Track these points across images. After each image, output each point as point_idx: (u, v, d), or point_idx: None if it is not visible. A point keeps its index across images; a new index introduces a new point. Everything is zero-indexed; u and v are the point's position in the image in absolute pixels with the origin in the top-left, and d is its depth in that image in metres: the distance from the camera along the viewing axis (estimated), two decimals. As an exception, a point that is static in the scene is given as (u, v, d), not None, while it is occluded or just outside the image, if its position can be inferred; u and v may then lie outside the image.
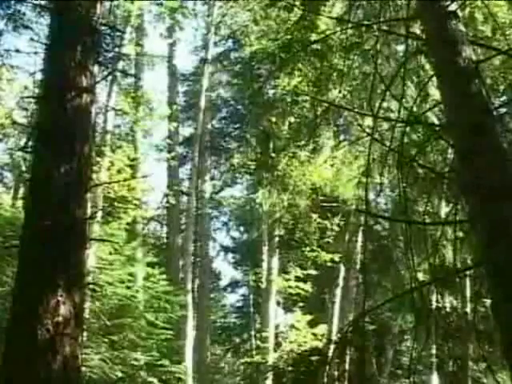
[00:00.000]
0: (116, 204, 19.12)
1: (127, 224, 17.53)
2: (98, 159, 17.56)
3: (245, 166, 22.03)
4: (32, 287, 6.24)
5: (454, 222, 7.77)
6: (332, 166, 16.89)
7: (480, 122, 5.54)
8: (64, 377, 6.04)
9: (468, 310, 17.28)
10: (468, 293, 18.06)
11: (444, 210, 12.96)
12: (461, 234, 8.52)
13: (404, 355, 23.33)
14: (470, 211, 5.64)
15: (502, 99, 9.85)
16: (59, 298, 6.16)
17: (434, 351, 20.29)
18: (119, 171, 19.40)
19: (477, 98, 5.67)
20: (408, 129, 8.15)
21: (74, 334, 6.27)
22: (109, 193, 19.14)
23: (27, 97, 17.92)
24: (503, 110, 8.04)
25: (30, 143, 8.32)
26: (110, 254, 16.61)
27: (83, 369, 8.28)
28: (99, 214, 17.34)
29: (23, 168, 20.85)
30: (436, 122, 9.32)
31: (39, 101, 7.89)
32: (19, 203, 18.77)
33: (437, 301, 11.56)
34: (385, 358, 23.73)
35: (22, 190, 21.20)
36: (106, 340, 15.55)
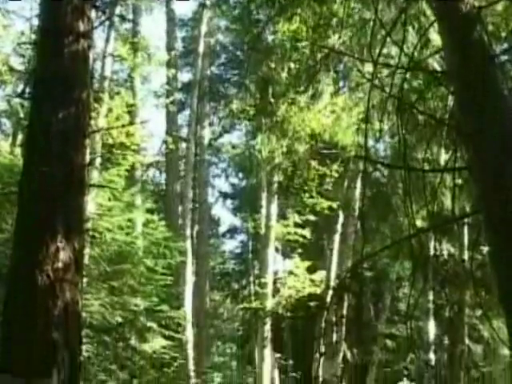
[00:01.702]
0: (115, 150, 19.08)
1: (126, 170, 17.48)
2: (96, 105, 17.47)
3: (244, 111, 21.87)
4: (31, 234, 6.26)
5: (453, 169, 7.75)
6: (331, 112, 16.79)
7: (481, 68, 5.49)
8: (64, 322, 6.09)
9: (465, 257, 17.39)
10: (466, 240, 18.16)
11: (443, 157, 12.93)
12: (460, 182, 8.53)
13: (401, 301, 23.53)
14: (469, 159, 5.63)
15: (503, 46, 9.75)
16: (59, 244, 6.18)
17: (431, 297, 20.48)
18: (117, 118, 19.31)
19: (478, 45, 5.61)
20: (408, 75, 8.09)
21: (74, 279, 6.30)
22: (107, 139, 19.08)
23: (24, 43, 17.76)
24: (505, 57, 7.96)
25: (28, 90, 8.27)
26: (109, 200, 16.61)
27: (83, 314, 8.36)
28: (98, 160, 17.33)
29: (21, 115, 20.75)
30: (437, 68, 9.24)
31: (36, 47, 7.81)
32: (18, 150, 18.74)
33: (435, 248, 11.63)
34: (382, 304, 23.95)
35: (20, 137, 21.13)
36: (106, 286, 15.66)
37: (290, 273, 23.95)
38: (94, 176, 16.34)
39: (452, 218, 9.10)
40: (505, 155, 5.16)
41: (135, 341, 16.51)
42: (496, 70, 5.69)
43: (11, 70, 18.81)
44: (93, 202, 15.62)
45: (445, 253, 17.57)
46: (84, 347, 10.60)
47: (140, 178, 24.05)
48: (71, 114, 6.58)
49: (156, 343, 16.95)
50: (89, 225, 13.80)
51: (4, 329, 6.19)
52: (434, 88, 8.87)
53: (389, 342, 23.53)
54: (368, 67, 10.58)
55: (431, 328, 21.25)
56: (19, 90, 19.44)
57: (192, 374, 20.53)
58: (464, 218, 11.94)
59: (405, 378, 23.84)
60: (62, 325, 6.07)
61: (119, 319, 15.53)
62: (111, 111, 19.26)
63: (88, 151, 7.38)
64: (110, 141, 19.23)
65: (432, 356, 20.82)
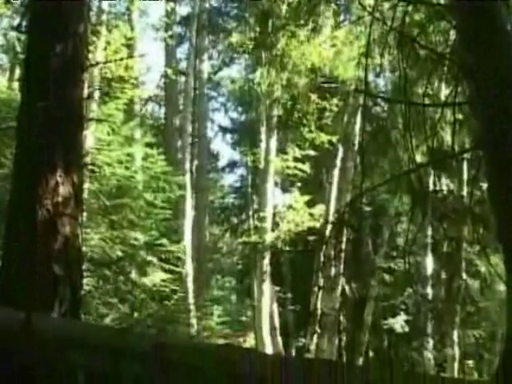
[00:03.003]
0: (113, 84, 18.91)
1: (125, 104, 17.37)
2: (94, 39, 17.26)
3: (243, 45, 21.64)
4: (31, 169, 6.24)
5: (453, 104, 7.72)
6: (332, 45, 16.65)
7: (484, 3, 5.41)
8: (65, 256, 6.13)
9: (464, 193, 17.41)
10: (465, 176, 18.16)
11: (444, 91, 12.85)
12: (460, 117, 8.49)
13: (400, 236, 23.64)
14: (470, 94, 5.59)
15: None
16: (58, 179, 6.18)
17: (429, 233, 20.62)
18: (116, 51, 19.11)
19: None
20: (410, 8, 8.00)
21: (74, 213, 6.32)
22: (106, 73, 18.90)
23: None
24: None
25: (24, 23, 8.16)
26: (108, 134, 16.54)
27: (84, 248, 8.40)
28: (96, 94, 17.18)
29: (18, 49, 20.54)
30: (439, 1, 9.12)
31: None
32: (15, 85, 18.60)
33: (434, 183, 11.65)
34: (381, 238, 24.07)
35: (17, 72, 20.95)
36: (106, 220, 15.71)
37: (289, 207, 24.02)
38: (93, 110, 16.23)
39: (452, 154, 9.10)
40: (506, 90, 5.13)
41: (135, 275, 16.64)
42: (499, 4, 5.61)
43: (7, 2, 18.53)
44: (92, 137, 15.55)
45: (444, 188, 17.57)
46: (85, 281, 10.66)
47: (139, 112, 23.93)
48: (69, 48, 6.50)
49: (156, 277, 17.09)
50: (88, 159, 13.76)
51: (5, 263, 6.23)
52: (435, 22, 8.77)
53: (387, 277, 23.72)
54: (369, 0, 10.45)
55: (429, 263, 21.45)
56: (15, 23, 19.20)
57: (192, 307, 20.74)
58: (464, 153, 11.90)
59: (402, 312, 24.13)
60: (63, 259, 6.10)
61: (119, 253, 15.61)
62: (109, 45, 19.05)
63: (86, 85, 7.32)
64: (109, 74, 19.06)
65: (429, 290, 21.07)
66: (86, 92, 7.16)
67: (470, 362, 22.95)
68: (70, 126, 6.46)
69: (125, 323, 14.46)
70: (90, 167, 13.99)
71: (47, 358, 4.94)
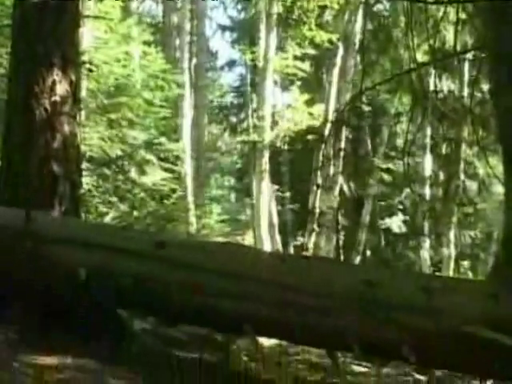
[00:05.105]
0: (109, -20, 18.50)
1: (122, 1, 17.03)
2: None
3: None
4: (27, 67, 6.17)
5: (457, 1, 7.58)
6: None
7: None
8: (64, 155, 6.13)
9: (465, 94, 17.30)
10: (466, 77, 18.02)
11: (447, -11, 12.59)
12: (463, 16, 8.35)
13: (399, 137, 23.62)
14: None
15: None
16: (55, 77, 6.12)
17: (428, 133, 20.59)
18: None
19: None
20: None
21: (72, 112, 6.29)
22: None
23: None
24: None
25: None
26: (105, 32, 16.30)
27: (83, 147, 8.41)
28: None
29: None
30: None
31: None
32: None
33: (435, 83, 11.54)
34: (380, 138, 24.06)
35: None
36: (104, 119, 15.63)
37: (289, 106, 23.92)
38: (89, 6, 15.91)
39: (453, 53, 8.99)
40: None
41: (135, 173, 16.68)
42: None
43: None
44: (88, 35, 15.32)
45: (445, 89, 17.45)
46: (84, 180, 10.72)
47: (136, 10, 23.53)
48: None
49: (155, 176, 17.13)
50: (85, 58, 13.59)
51: (4, 163, 6.24)
52: None
53: (385, 176, 23.81)
54: None
55: (428, 163, 21.50)
56: None
57: (191, 205, 20.89)
58: (466, 52, 11.77)
59: (399, 212, 24.35)
60: (62, 157, 6.11)
61: (118, 152, 15.61)
62: None
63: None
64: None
65: (427, 191, 21.18)
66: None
67: (466, 263, 23.31)
68: (65, 24, 6.34)
69: (125, 221, 14.58)
70: (87, 66, 13.84)
71: (47, 255, 5.00)
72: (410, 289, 4.61)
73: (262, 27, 23.30)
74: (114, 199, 15.83)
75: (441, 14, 8.24)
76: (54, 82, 6.09)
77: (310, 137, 22.15)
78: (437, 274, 17.79)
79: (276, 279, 4.73)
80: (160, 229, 15.83)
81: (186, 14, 24.76)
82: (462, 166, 20.19)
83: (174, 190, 18.10)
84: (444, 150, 21.13)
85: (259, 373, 5.08)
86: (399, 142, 23.08)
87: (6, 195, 6.03)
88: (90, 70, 14.42)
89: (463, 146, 19.63)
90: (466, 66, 17.78)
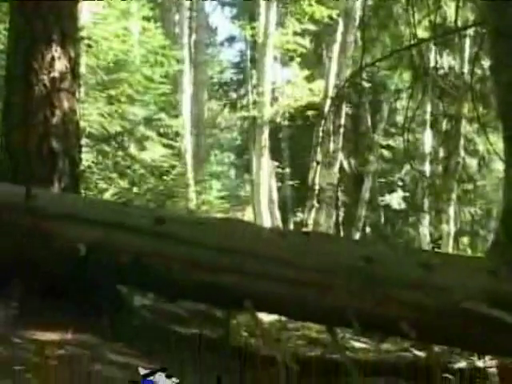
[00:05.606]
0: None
1: (121, -24, 16.92)
2: None
3: None
4: (26, 43, 6.14)
5: (458, -22, 7.54)
6: None
7: None
8: (63, 131, 6.11)
9: (465, 70, 17.24)
10: (467, 54, 17.94)
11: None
12: (465, -9, 8.30)
13: (399, 114, 23.56)
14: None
15: None
16: (54, 54, 6.09)
17: (428, 109, 20.52)
18: None
19: None
20: None
21: (71, 88, 6.27)
22: None
23: None
24: None
25: None
26: (104, 7, 16.21)
27: (82, 124, 8.38)
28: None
29: None
30: None
31: None
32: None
33: (435, 59, 11.50)
34: (380, 115, 24.00)
35: None
36: (104, 95, 15.58)
37: (289, 82, 23.84)
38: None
39: (454, 29, 8.96)
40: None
41: (134, 149, 16.65)
42: None
43: None
44: (87, 11, 15.23)
45: (445, 65, 17.39)
46: (84, 156, 10.68)
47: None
48: None
49: (155, 152, 17.10)
50: (84, 33, 13.53)
51: (3, 139, 6.22)
52: None
53: (385, 153, 23.80)
54: None
55: (428, 139, 21.46)
56: None
57: (191, 182, 20.88)
58: (467, 28, 11.73)
59: (399, 189, 24.36)
60: (61, 134, 6.09)
61: (118, 128, 15.58)
62: None
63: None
64: None
65: (427, 167, 21.16)
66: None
67: (465, 239, 23.34)
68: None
69: (124, 198, 14.58)
70: (86, 41, 13.79)
71: (47, 231, 5.01)
72: (409, 265, 4.63)
73: (262, 3, 23.17)
74: (114, 175, 15.82)
75: (442, -11, 8.20)
76: (53, 58, 6.06)
77: (309, 113, 22.11)
78: (436, 250, 17.81)
79: (276, 255, 4.74)
80: (160, 205, 15.84)
81: (185, -11, 24.65)
82: (462, 142, 20.14)
83: (173, 166, 18.08)
84: (444, 126, 21.08)
85: (259, 348, 5.10)
86: (399, 118, 23.01)
87: (6, 172, 6.03)
88: (89, 46, 14.37)
89: (463, 123, 19.58)
90: (467, 42, 17.71)
